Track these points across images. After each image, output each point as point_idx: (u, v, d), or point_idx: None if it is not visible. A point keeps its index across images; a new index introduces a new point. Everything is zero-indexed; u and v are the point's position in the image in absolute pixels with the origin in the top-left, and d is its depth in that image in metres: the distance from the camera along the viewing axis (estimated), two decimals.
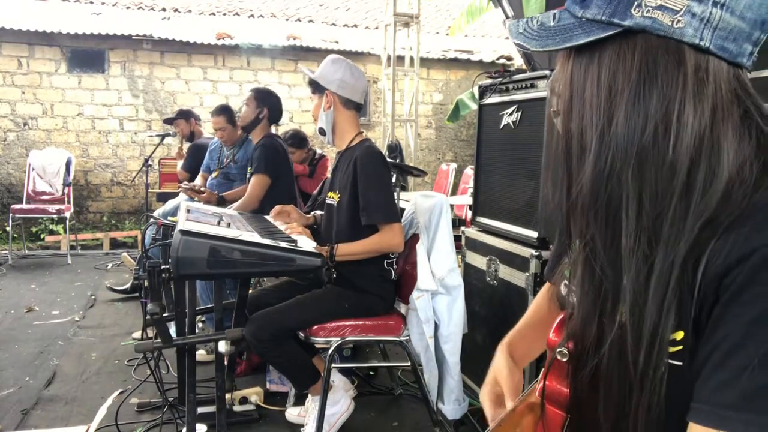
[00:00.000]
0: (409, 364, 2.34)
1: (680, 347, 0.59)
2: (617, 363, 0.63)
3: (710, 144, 0.58)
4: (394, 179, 3.83)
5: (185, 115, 4.87)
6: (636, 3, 0.58)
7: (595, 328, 0.66)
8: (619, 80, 0.60)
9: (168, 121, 5.02)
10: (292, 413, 2.56)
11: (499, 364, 0.92)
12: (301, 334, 2.27)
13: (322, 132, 2.40)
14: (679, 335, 0.59)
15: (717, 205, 0.58)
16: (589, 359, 0.67)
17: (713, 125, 0.58)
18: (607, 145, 0.60)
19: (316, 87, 2.36)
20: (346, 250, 2.24)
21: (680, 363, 0.59)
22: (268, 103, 3.27)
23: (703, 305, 0.58)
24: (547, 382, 0.75)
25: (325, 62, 2.39)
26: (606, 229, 0.62)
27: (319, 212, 2.64)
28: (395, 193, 3.87)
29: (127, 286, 4.63)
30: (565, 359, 0.72)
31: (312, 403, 2.36)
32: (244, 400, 2.67)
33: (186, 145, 4.88)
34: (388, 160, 4.45)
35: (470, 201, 3.02)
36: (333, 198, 2.38)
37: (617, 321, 0.63)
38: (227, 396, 2.44)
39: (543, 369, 0.77)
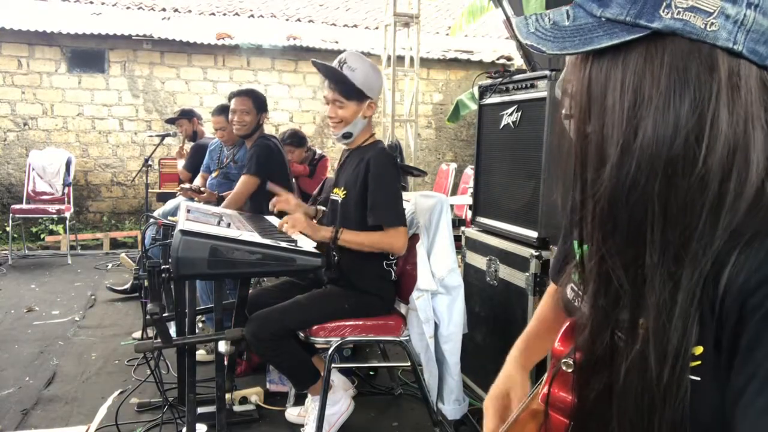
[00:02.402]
0: (409, 364, 2.34)
1: (699, 362, 0.58)
2: (638, 379, 0.60)
3: (742, 153, 0.56)
4: None
5: (188, 114, 4.88)
6: (665, 3, 0.55)
7: (608, 342, 0.64)
8: (646, 87, 0.56)
9: (170, 121, 5.02)
10: (292, 413, 2.56)
11: (514, 379, 0.91)
12: (301, 334, 2.27)
13: (349, 136, 2.31)
14: (698, 350, 0.58)
15: (743, 217, 0.56)
16: (598, 372, 0.65)
17: (746, 133, 0.56)
18: (632, 156, 0.57)
19: (356, 93, 2.24)
20: (351, 237, 2.22)
21: (698, 378, 0.58)
22: (264, 106, 3.25)
23: (724, 321, 0.56)
24: (551, 390, 0.75)
25: (366, 68, 2.25)
26: (627, 244, 0.59)
27: (322, 207, 2.64)
28: None
29: (127, 286, 4.63)
30: (570, 370, 0.72)
31: (312, 403, 2.36)
32: (244, 400, 2.67)
33: (188, 145, 4.87)
34: None
35: (470, 201, 3.02)
36: (338, 194, 2.37)
37: (639, 336, 0.60)
38: (227, 396, 2.44)
39: (546, 376, 0.77)
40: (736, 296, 0.55)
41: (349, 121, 2.28)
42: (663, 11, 0.55)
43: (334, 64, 2.26)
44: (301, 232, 2.21)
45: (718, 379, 0.57)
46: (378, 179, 2.21)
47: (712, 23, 0.54)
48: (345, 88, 2.23)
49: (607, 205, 0.59)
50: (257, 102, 3.23)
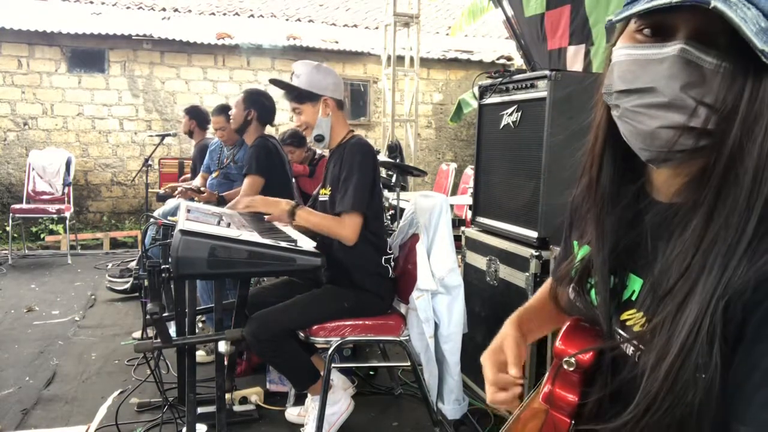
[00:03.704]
0: (409, 364, 2.34)
1: (702, 360, 0.59)
2: (654, 378, 0.61)
3: None
4: (394, 179, 3.83)
5: (189, 112, 4.81)
6: None
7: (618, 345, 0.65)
8: None
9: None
10: (292, 413, 2.56)
11: (507, 334, 0.92)
12: (301, 334, 2.27)
13: (320, 138, 2.38)
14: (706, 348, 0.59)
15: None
16: (625, 376, 0.66)
17: None
18: None
19: (306, 96, 2.33)
20: (306, 215, 2.25)
21: (703, 375, 0.59)
22: (256, 104, 3.24)
23: (730, 317, 0.57)
24: (552, 388, 0.75)
25: (308, 70, 2.35)
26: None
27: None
28: (388, 191, 3.87)
29: (127, 286, 4.62)
30: (572, 369, 0.72)
31: (312, 402, 2.36)
32: (244, 400, 2.67)
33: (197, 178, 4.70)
34: (388, 159, 4.45)
35: (470, 201, 3.02)
36: (325, 194, 2.40)
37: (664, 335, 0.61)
38: (227, 396, 2.44)
39: (547, 375, 0.77)
40: (739, 291, 0.56)
41: (311, 123, 2.36)
42: None
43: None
44: (263, 212, 2.29)
45: (721, 375, 0.58)
46: (346, 169, 2.26)
47: None
48: (294, 95, 2.35)
49: None
50: (247, 96, 3.28)
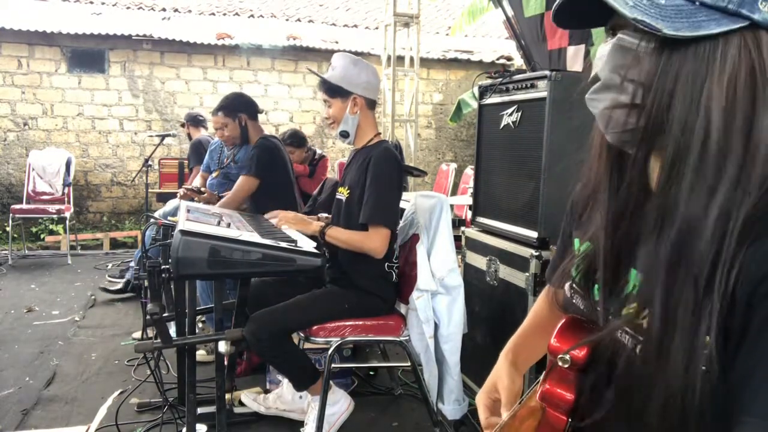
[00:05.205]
0: (409, 364, 2.34)
1: (705, 351, 0.59)
2: (656, 373, 0.61)
3: None
4: None
5: (186, 118, 4.95)
6: None
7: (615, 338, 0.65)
8: (746, 78, 0.57)
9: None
10: (249, 397, 2.61)
11: (500, 372, 0.91)
12: (301, 334, 2.27)
13: (345, 134, 2.36)
14: (706, 339, 0.59)
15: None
16: (609, 369, 0.66)
17: None
18: (731, 142, 0.57)
19: (337, 90, 2.31)
20: (336, 234, 2.25)
21: (704, 367, 0.59)
22: (240, 107, 3.20)
23: (735, 308, 0.57)
24: (548, 386, 0.75)
25: (345, 64, 2.33)
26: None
27: (324, 214, 2.65)
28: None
29: (120, 285, 4.60)
30: (566, 366, 0.72)
31: (312, 402, 2.36)
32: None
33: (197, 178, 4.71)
34: None
35: (470, 201, 3.02)
36: (343, 193, 2.39)
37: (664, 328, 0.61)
38: (227, 396, 2.44)
39: (544, 373, 0.77)
40: (746, 284, 0.55)
41: (339, 119, 2.34)
42: (761, 4, 0.57)
43: None
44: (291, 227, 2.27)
45: (722, 368, 0.58)
46: (373, 178, 2.24)
47: None
48: (327, 87, 2.34)
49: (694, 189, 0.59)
50: (226, 109, 3.20)
